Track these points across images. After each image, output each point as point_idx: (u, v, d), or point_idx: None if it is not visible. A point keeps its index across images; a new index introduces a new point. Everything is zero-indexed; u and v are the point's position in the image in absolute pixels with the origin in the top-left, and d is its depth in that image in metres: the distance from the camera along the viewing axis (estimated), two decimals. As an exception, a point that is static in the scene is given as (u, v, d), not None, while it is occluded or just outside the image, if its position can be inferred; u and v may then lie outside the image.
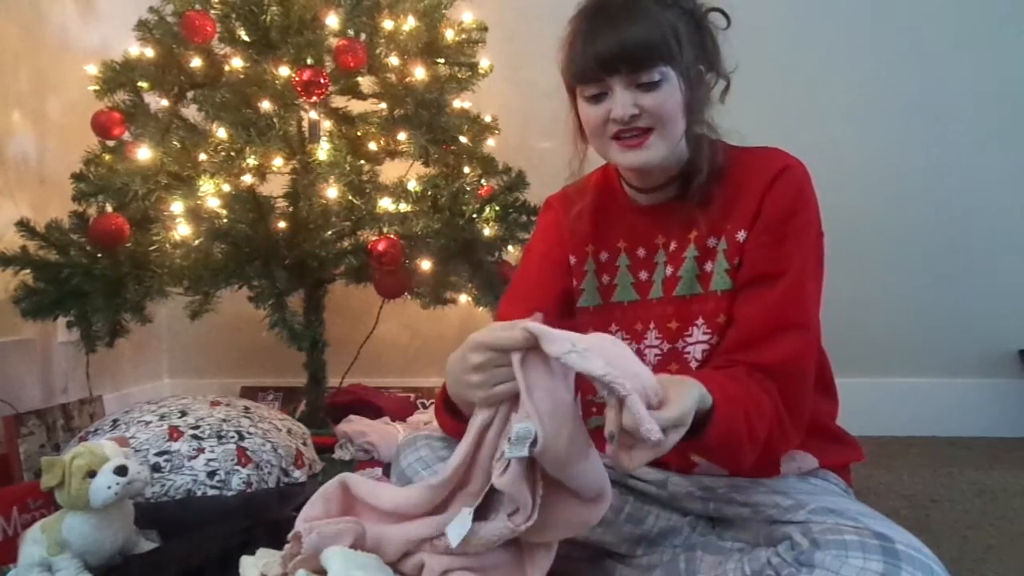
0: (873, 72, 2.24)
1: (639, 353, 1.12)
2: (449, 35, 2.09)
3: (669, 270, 1.11)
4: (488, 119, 2.14)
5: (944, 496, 1.66)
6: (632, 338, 1.13)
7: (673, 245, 1.12)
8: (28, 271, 1.79)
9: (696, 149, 1.07)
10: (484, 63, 2.14)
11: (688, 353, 1.09)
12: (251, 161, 1.83)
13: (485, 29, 2.15)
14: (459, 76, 2.10)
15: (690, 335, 1.09)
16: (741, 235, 1.06)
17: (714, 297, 1.07)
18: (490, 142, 2.16)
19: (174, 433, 1.45)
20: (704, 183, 1.06)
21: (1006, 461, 1.94)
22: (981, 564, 1.28)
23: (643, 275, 1.14)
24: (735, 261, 1.06)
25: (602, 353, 0.82)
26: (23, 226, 1.80)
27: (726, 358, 1.02)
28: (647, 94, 1.00)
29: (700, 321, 1.08)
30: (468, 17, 2.15)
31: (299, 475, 1.52)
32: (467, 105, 2.14)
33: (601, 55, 1.00)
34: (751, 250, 1.05)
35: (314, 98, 1.79)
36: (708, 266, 1.08)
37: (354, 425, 1.90)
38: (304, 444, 1.63)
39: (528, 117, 2.32)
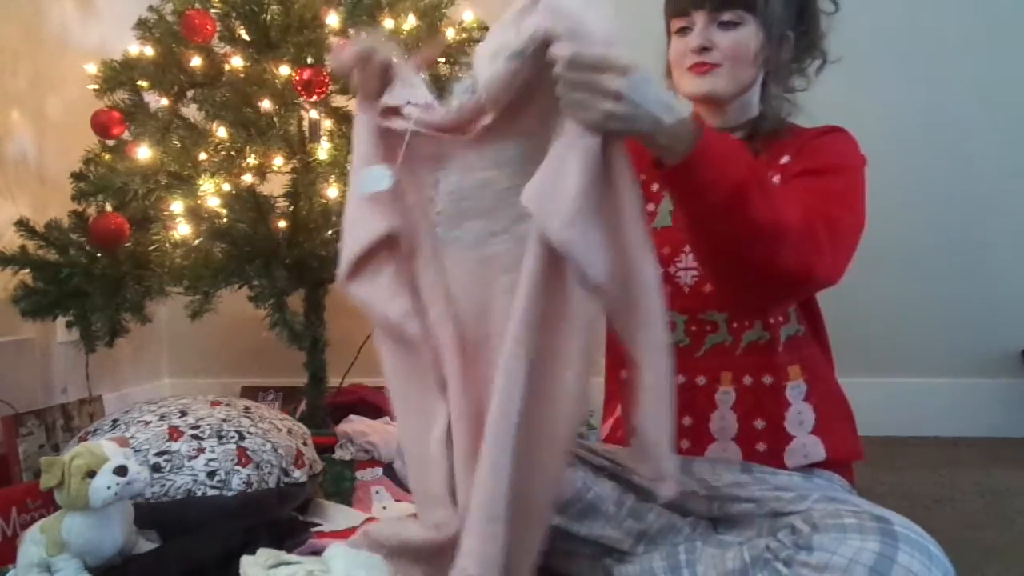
0: (873, 70, 2.23)
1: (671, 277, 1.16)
2: (450, 34, 2.08)
3: None
4: (489, 118, 2.14)
5: (946, 496, 1.66)
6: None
7: None
8: (27, 271, 1.78)
9: (767, 109, 1.14)
10: (485, 62, 2.14)
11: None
12: (251, 160, 1.82)
13: (486, 28, 2.14)
14: (460, 75, 2.09)
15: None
16: (785, 159, 1.12)
17: None
18: (491, 141, 2.15)
19: (174, 433, 1.44)
20: (764, 140, 1.13)
21: (1008, 461, 1.94)
22: (983, 564, 1.28)
23: (651, 206, 1.18)
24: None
25: None
26: (23, 226, 1.79)
27: None
28: (724, 33, 1.09)
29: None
30: (469, 16, 2.14)
31: (299, 475, 1.51)
32: (468, 104, 2.13)
33: None
34: (794, 165, 1.10)
35: (314, 97, 1.79)
36: None
37: (354, 425, 1.90)
38: (304, 444, 1.62)
39: (528, 116, 2.31)
